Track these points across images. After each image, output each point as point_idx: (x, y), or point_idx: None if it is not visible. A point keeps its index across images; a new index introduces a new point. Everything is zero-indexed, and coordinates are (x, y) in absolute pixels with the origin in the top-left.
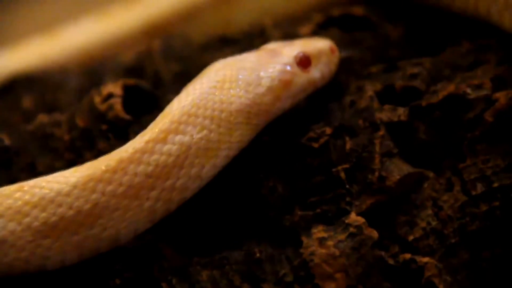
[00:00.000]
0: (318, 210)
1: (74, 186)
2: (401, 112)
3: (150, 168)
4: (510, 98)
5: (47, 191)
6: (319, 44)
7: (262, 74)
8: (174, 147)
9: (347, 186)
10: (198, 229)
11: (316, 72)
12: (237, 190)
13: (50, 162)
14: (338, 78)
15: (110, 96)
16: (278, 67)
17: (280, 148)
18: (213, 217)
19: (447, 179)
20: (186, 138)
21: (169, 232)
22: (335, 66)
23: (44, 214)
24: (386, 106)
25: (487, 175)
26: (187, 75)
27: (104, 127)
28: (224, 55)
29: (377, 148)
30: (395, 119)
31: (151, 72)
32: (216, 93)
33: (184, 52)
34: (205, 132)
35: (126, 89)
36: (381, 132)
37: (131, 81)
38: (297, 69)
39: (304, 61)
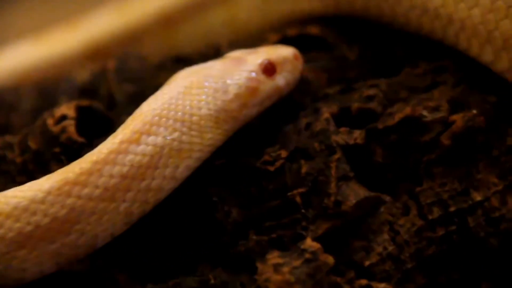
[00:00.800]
0: (274, 235)
1: (49, 192)
2: (357, 135)
3: (126, 169)
4: (467, 120)
5: (20, 199)
6: (283, 52)
7: (228, 81)
8: (148, 148)
9: (303, 211)
10: (151, 253)
11: (281, 79)
12: (191, 214)
13: (1, 185)
14: (294, 99)
15: (63, 118)
16: (245, 74)
17: (235, 172)
18: (167, 241)
19: (404, 203)
20: (159, 139)
21: (122, 256)
22: (299, 72)
23: (18, 224)
24: (342, 129)
25: (444, 199)
26: (141, 96)
27: (57, 149)
28: None
29: (333, 172)
30: (351, 142)
31: (105, 93)
32: (185, 98)
33: (139, 72)
34: (177, 134)
35: (80, 110)
36: (337, 156)
37: (85, 103)
38: (262, 77)
39: (269, 69)
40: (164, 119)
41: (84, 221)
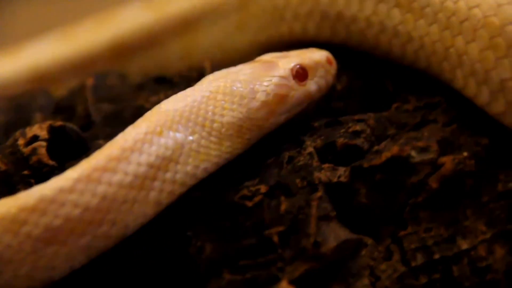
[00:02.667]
0: (248, 276)
1: (78, 180)
2: (342, 173)
3: (152, 158)
4: (457, 163)
5: (46, 190)
6: (316, 55)
7: (257, 87)
8: (170, 142)
9: (280, 251)
10: (122, 286)
11: (313, 85)
12: (164, 248)
13: None
14: (277, 131)
15: (35, 138)
16: (274, 80)
17: (212, 205)
18: (137, 276)
19: (386, 247)
20: (180, 136)
21: None
22: (332, 77)
23: (45, 219)
24: (326, 165)
25: (429, 245)
26: (119, 116)
27: (26, 172)
28: (159, 97)
29: (314, 211)
30: (335, 179)
31: (82, 111)
32: (209, 103)
33: (118, 91)
34: (196, 136)
35: (53, 131)
36: (319, 194)
37: (58, 123)
38: (293, 82)
39: (300, 74)
40: (184, 120)
41: (115, 210)
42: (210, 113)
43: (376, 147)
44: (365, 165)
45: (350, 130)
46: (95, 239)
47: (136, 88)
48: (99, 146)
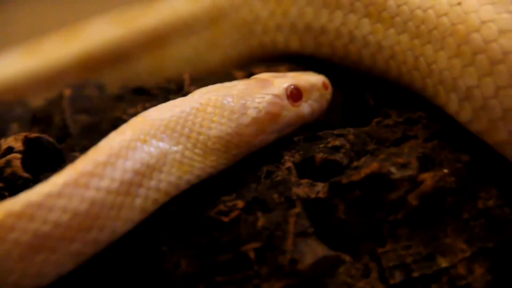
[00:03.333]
0: None
1: (65, 184)
2: (320, 189)
3: (137, 165)
4: (437, 180)
5: (33, 195)
6: (312, 79)
7: (249, 103)
8: (154, 150)
9: (256, 267)
10: None
11: (306, 107)
12: (139, 263)
13: None
14: None
15: (9, 150)
16: (267, 98)
17: (188, 220)
18: None
19: (364, 265)
20: (164, 146)
21: None
22: (326, 102)
23: (33, 225)
24: (304, 181)
25: (407, 263)
26: (96, 128)
27: (0, 184)
28: (137, 109)
29: (291, 227)
30: (313, 195)
31: (59, 122)
32: (198, 115)
33: (96, 103)
34: (180, 147)
35: (28, 142)
36: (297, 210)
37: (33, 134)
38: (286, 102)
39: (295, 95)
40: (169, 130)
41: (104, 215)
42: (197, 125)
43: (355, 163)
44: (344, 181)
45: (330, 145)
46: (85, 245)
47: (114, 100)
48: (74, 158)
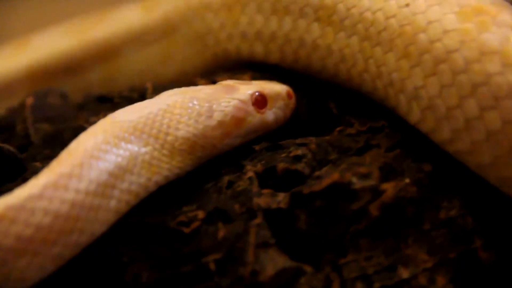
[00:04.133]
0: None
1: (45, 187)
2: (281, 199)
3: (111, 167)
4: (399, 190)
5: (13, 198)
6: (277, 87)
7: (215, 107)
8: (125, 153)
9: (217, 279)
10: None
11: (270, 115)
12: (99, 274)
13: None
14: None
15: None
16: (233, 102)
17: (148, 231)
18: None
19: (326, 275)
20: (134, 148)
21: None
22: (290, 111)
23: (15, 228)
24: (266, 191)
25: (369, 274)
26: (58, 137)
27: None
28: (99, 118)
29: (252, 238)
30: (274, 206)
31: (21, 131)
32: (165, 116)
33: (58, 111)
34: (149, 148)
35: None
36: (258, 220)
37: None
38: (251, 108)
39: (260, 101)
40: (138, 132)
41: (84, 217)
42: (165, 125)
43: (317, 173)
44: (305, 191)
45: (292, 154)
46: (66, 247)
47: (76, 108)
48: (36, 168)
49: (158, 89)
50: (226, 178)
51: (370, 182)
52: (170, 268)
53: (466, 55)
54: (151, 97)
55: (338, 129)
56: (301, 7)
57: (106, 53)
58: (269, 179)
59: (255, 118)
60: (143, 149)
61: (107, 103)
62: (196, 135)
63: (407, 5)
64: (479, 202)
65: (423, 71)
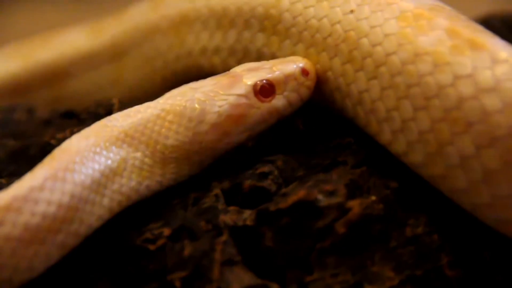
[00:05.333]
0: None
1: (45, 178)
2: (248, 216)
3: (102, 167)
4: (365, 207)
5: (17, 190)
6: (289, 68)
7: (208, 108)
8: (114, 156)
9: None
10: None
11: (280, 100)
12: None
13: None
14: None
15: None
16: (230, 99)
17: (115, 248)
18: None
19: None
20: (123, 152)
21: None
22: (307, 90)
23: (22, 217)
24: (232, 208)
25: None
26: (24, 153)
27: None
28: (66, 134)
29: (218, 255)
30: (241, 223)
31: None
32: (157, 122)
33: (25, 127)
34: (139, 154)
35: None
36: (224, 237)
37: None
38: (254, 100)
39: (266, 89)
40: (129, 138)
41: (82, 209)
42: (155, 133)
43: (283, 190)
44: (272, 208)
45: (258, 171)
46: (68, 236)
47: (42, 124)
48: (1, 184)
49: (125, 105)
50: (192, 195)
51: (336, 200)
52: (136, 286)
53: (402, 57)
54: (117, 110)
55: (305, 145)
56: (246, 19)
57: (52, 76)
58: (235, 196)
59: (261, 109)
60: (133, 155)
61: (74, 119)
62: (187, 142)
63: (351, 11)
64: (445, 219)
65: (366, 74)
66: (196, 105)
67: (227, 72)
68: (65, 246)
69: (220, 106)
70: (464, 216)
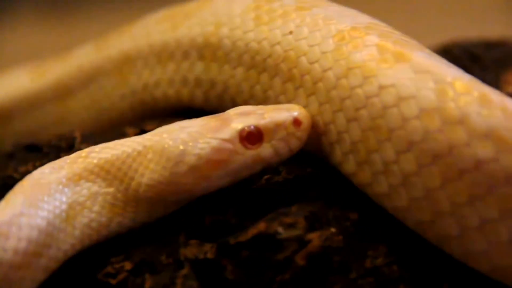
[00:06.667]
0: None
1: (22, 204)
2: (208, 249)
3: (74, 201)
4: (324, 239)
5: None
6: (281, 116)
7: (189, 149)
8: (85, 191)
9: None
10: None
11: (267, 149)
12: None
13: None
14: None
15: None
16: (213, 143)
17: (76, 282)
18: None
19: None
20: (95, 188)
21: None
22: (297, 141)
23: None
24: (193, 241)
25: None
26: None
27: None
28: (28, 168)
29: None
30: (201, 256)
31: None
32: (137, 159)
33: None
34: (112, 189)
35: None
36: (185, 271)
37: None
38: (239, 146)
39: (254, 136)
40: (104, 172)
41: (56, 236)
42: (132, 170)
43: (245, 222)
44: (232, 241)
45: (218, 204)
46: (49, 260)
47: (5, 157)
48: None
49: (87, 138)
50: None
51: (296, 232)
52: None
53: (336, 72)
54: (79, 146)
55: (265, 177)
56: (185, 50)
57: None
58: (196, 229)
59: (245, 155)
60: (105, 190)
61: (36, 152)
62: (162, 182)
63: (290, 32)
64: (404, 250)
65: (305, 91)
66: (179, 145)
67: (220, 113)
68: (48, 269)
69: (201, 149)
70: (423, 246)
